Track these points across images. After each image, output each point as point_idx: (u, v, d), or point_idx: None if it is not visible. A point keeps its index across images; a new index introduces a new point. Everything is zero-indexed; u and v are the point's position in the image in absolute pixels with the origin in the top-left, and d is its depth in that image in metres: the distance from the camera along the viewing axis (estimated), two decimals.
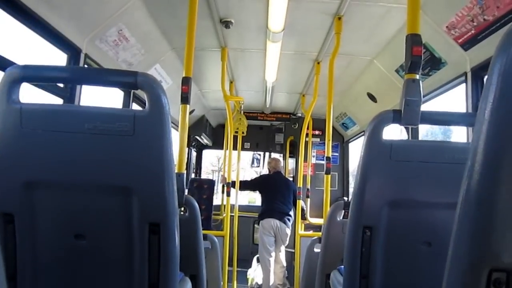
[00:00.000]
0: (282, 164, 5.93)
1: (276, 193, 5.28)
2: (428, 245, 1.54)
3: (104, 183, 1.30)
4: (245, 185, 5.68)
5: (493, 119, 0.61)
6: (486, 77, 0.64)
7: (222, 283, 3.19)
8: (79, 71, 1.67)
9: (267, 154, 7.61)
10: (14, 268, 1.31)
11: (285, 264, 5.33)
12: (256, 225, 6.77)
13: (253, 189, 5.96)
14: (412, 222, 1.54)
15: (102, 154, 1.28)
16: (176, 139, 2.34)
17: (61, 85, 2.64)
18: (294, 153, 7.04)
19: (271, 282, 5.21)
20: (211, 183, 5.70)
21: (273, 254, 5.17)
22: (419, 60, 1.61)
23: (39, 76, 1.33)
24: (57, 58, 2.66)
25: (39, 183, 1.28)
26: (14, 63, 2.02)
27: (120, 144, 1.26)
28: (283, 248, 5.26)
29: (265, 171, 7.45)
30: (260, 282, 5.40)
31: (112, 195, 1.31)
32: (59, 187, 1.30)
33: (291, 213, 5.21)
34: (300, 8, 3.06)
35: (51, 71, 1.35)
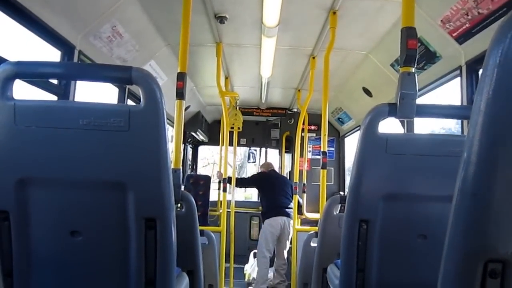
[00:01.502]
0: (273, 167, 5.95)
1: (277, 188, 5.29)
2: (424, 237, 1.55)
3: (99, 179, 1.30)
4: (243, 182, 5.66)
5: (488, 111, 0.61)
6: (481, 70, 0.64)
7: (219, 279, 3.20)
8: (74, 67, 1.66)
9: (263, 149, 7.62)
10: (10, 265, 1.31)
11: (286, 261, 5.34)
12: (253, 221, 6.79)
13: (251, 186, 5.89)
14: (408, 215, 1.55)
15: (97, 150, 1.27)
16: (172, 135, 2.33)
17: (55, 82, 2.63)
18: (290, 148, 7.05)
19: (270, 278, 5.24)
20: (207, 179, 5.70)
21: (272, 251, 5.19)
22: (414, 53, 1.61)
23: (33, 72, 1.32)
24: (51, 55, 2.64)
25: (34, 180, 1.27)
26: (7, 61, 2.00)
27: (115, 140, 1.26)
28: (288, 244, 5.23)
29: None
30: None
31: (107, 191, 1.31)
32: (54, 183, 1.30)
33: (292, 205, 5.22)
34: (295, 3, 3.05)
35: (45, 67, 1.34)
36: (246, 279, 5.60)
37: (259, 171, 5.93)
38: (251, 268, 5.66)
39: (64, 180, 1.30)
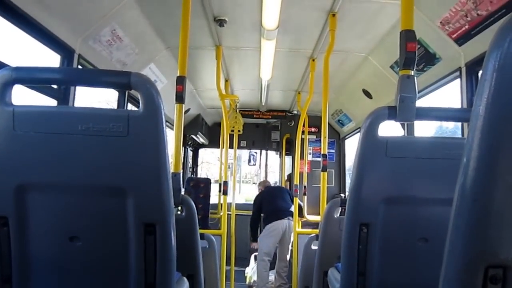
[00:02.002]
0: (269, 183, 5.97)
1: (275, 196, 5.38)
2: (425, 241, 1.54)
3: (98, 184, 1.29)
4: (256, 220, 5.59)
5: (488, 115, 0.61)
6: (480, 72, 0.64)
7: (220, 282, 3.19)
8: (72, 72, 1.66)
9: (263, 152, 7.63)
10: (9, 271, 1.31)
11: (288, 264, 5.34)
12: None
13: (261, 212, 5.62)
14: (408, 218, 1.54)
15: (96, 155, 1.26)
16: (172, 138, 2.33)
17: (54, 86, 2.63)
18: (290, 151, 7.05)
19: (271, 280, 5.24)
20: (207, 182, 5.70)
21: (271, 255, 5.20)
22: (414, 56, 1.61)
23: (32, 77, 1.32)
24: (50, 59, 2.64)
25: (33, 186, 1.27)
26: (7, 65, 2.00)
27: (115, 145, 1.25)
28: (289, 247, 5.22)
29: (262, 170, 7.54)
30: None
31: (107, 197, 1.30)
32: (53, 189, 1.29)
33: (292, 209, 5.23)
34: (294, 6, 3.05)
35: (44, 72, 1.33)
36: (247, 282, 5.59)
37: (258, 189, 6.01)
38: (252, 271, 5.65)
39: (63, 186, 1.30)
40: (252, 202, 5.94)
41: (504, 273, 0.65)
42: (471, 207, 0.64)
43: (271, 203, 5.30)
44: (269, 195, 5.46)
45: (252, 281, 5.51)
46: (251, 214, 5.73)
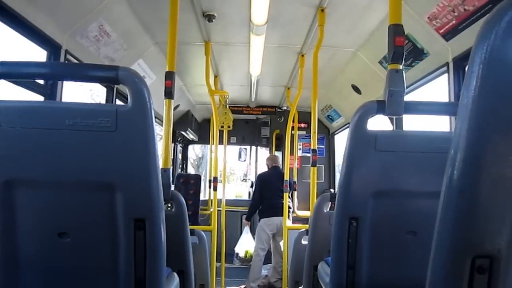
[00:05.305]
0: (280, 160, 5.86)
1: (274, 188, 5.33)
2: (413, 234, 1.56)
3: (87, 180, 1.28)
4: (257, 204, 5.49)
5: (474, 107, 0.62)
6: (467, 66, 0.65)
7: (210, 278, 3.19)
8: (59, 67, 1.63)
9: (253, 148, 7.62)
10: None
11: None
12: (244, 219, 6.82)
13: (262, 197, 5.48)
14: (397, 212, 1.55)
15: (84, 150, 1.25)
16: (161, 134, 2.32)
17: (41, 82, 2.59)
18: (280, 147, 7.05)
19: (263, 275, 5.27)
20: (197, 178, 5.68)
21: (266, 249, 5.25)
22: (402, 50, 1.62)
23: (18, 72, 1.30)
24: (36, 55, 2.60)
25: (20, 182, 1.25)
26: None
27: (103, 140, 1.24)
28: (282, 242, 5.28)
29: (253, 165, 7.50)
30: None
31: (95, 192, 1.29)
32: (41, 185, 1.28)
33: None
34: (283, 1, 3.05)
35: (30, 67, 1.31)
36: (239, 256, 5.65)
37: (266, 163, 5.86)
38: (244, 241, 5.71)
39: (51, 181, 1.28)
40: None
41: (491, 263, 0.66)
42: (458, 198, 0.65)
43: (270, 198, 5.28)
44: (269, 186, 5.35)
45: (242, 255, 5.59)
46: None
